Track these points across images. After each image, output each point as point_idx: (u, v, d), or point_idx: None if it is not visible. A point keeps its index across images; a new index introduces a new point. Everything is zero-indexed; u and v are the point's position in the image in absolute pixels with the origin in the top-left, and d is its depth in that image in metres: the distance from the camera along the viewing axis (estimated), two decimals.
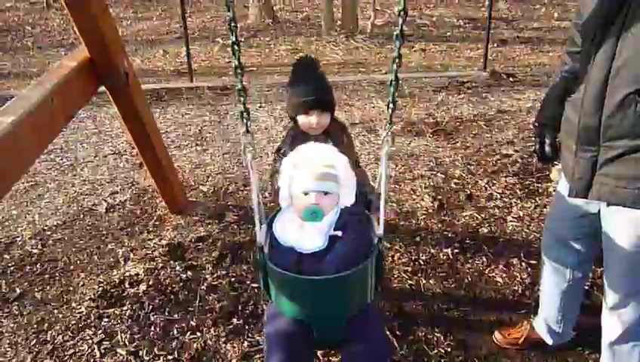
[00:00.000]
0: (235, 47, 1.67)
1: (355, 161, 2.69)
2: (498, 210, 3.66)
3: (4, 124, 1.61)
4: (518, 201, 3.75)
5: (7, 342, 2.63)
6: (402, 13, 1.58)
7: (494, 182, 4.03)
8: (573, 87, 1.88)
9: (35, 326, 2.72)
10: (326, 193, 1.82)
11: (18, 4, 13.19)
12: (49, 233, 3.52)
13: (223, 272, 3.05)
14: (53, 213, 3.77)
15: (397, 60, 1.69)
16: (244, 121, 1.79)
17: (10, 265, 3.20)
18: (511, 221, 3.52)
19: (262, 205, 1.91)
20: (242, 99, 1.76)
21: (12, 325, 2.74)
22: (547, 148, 2.13)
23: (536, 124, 2.17)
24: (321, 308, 1.78)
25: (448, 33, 10.27)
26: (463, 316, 2.72)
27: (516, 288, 2.90)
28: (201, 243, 3.34)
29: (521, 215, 3.58)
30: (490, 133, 5.00)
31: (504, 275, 3.00)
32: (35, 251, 3.33)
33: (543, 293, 2.39)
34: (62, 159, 4.61)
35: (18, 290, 2.98)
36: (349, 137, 2.57)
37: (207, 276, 3.03)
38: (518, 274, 3.00)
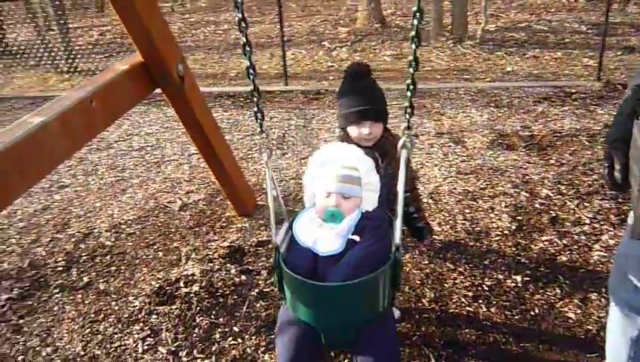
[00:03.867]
0: (247, 49, 1.72)
1: (413, 178, 2.53)
2: (584, 236, 3.28)
3: (33, 123, 1.67)
4: (610, 228, 3.33)
5: (66, 328, 2.77)
6: (417, 13, 1.56)
7: (586, 204, 3.63)
8: None
9: (93, 315, 2.85)
10: (348, 196, 1.79)
11: None
12: (124, 227, 3.70)
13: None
14: (132, 207, 3.96)
15: (413, 64, 1.69)
16: (258, 121, 1.81)
17: (83, 254, 3.40)
18: (597, 250, 3.13)
19: (279, 204, 1.95)
20: (256, 99, 1.79)
21: (74, 312, 2.89)
22: (616, 174, 1.84)
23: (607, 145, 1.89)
24: (328, 314, 1.71)
25: (567, 39, 9.56)
26: (523, 352, 2.44)
27: (590, 327, 2.57)
28: (261, 248, 3.32)
29: (611, 244, 3.18)
30: (590, 151, 4.52)
31: (578, 311, 2.67)
32: (108, 243, 3.51)
33: (609, 340, 2.08)
34: (150, 156, 4.85)
35: (85, 279, 3.15)
36: None
37: (260, 282, 3.01)
38: (594, 312, 2.65)
